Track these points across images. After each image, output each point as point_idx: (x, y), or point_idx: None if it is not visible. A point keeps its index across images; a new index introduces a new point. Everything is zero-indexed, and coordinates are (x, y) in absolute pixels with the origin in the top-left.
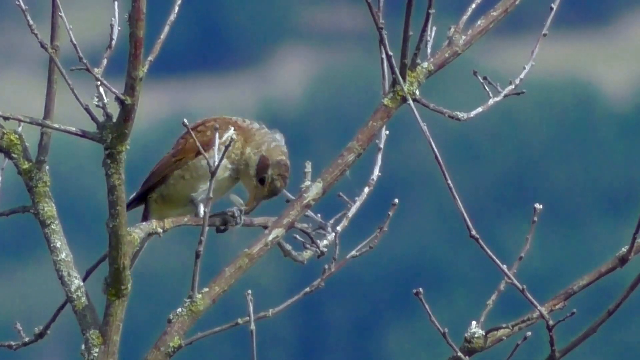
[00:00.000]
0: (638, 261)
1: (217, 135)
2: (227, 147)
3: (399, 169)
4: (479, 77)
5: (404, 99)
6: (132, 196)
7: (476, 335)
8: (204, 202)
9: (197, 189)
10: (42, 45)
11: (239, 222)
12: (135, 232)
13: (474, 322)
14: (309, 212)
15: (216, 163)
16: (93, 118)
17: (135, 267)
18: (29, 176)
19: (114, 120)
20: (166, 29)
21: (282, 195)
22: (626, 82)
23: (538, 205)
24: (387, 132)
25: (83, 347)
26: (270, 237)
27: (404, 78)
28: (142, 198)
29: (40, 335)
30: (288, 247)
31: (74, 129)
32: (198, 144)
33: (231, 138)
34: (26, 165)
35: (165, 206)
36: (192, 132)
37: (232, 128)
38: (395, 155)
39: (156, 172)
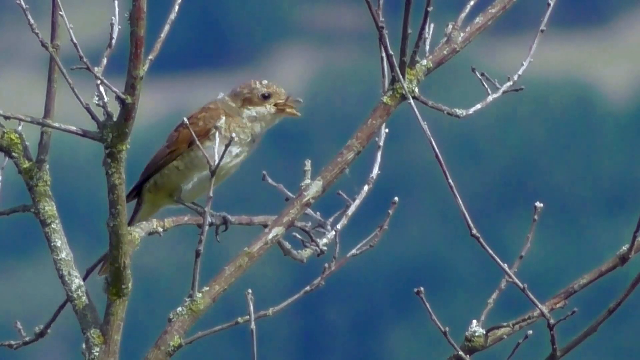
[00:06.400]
0: (639, 260)
1: (216, 135)
2: (230, 141)
3: (399, 167)
4: (477, 74)
5: (403, 97)
6: (129, 190)
7: (477, 334)
8: (191, 199)
9: (191, 179)
10: (43, 44)
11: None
12: (136, 231)
13: (474, 321)
14: (309, 211)
15: (216, 159)
16: (93, 117)
17: (135, 266)
18: (30, 175)
19: (115, 119)
20: (166, 27)
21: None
22: (625, 81)
23: (539, 204)
24: (387, 130)
25: (84, 346)
26: (270, 236)
27: (403, 76)
28: (138, 191)
29: (41, 334)
30: (288, 245)
31: (74, 128)
32: (193, 134)
33: (234, 133)
34: (26, 165)
35: (158, 195)
36: (189, 126)
37: (222, 117)
38: (396, 153)
39: (151, 164)
